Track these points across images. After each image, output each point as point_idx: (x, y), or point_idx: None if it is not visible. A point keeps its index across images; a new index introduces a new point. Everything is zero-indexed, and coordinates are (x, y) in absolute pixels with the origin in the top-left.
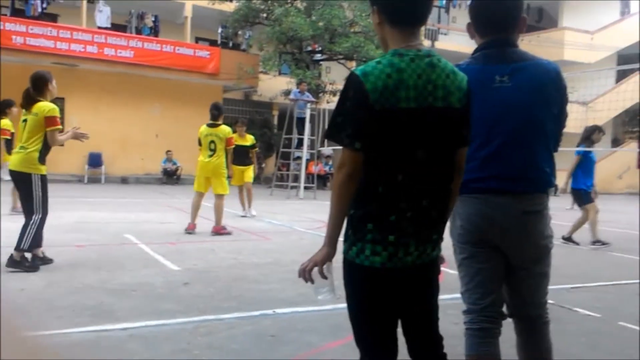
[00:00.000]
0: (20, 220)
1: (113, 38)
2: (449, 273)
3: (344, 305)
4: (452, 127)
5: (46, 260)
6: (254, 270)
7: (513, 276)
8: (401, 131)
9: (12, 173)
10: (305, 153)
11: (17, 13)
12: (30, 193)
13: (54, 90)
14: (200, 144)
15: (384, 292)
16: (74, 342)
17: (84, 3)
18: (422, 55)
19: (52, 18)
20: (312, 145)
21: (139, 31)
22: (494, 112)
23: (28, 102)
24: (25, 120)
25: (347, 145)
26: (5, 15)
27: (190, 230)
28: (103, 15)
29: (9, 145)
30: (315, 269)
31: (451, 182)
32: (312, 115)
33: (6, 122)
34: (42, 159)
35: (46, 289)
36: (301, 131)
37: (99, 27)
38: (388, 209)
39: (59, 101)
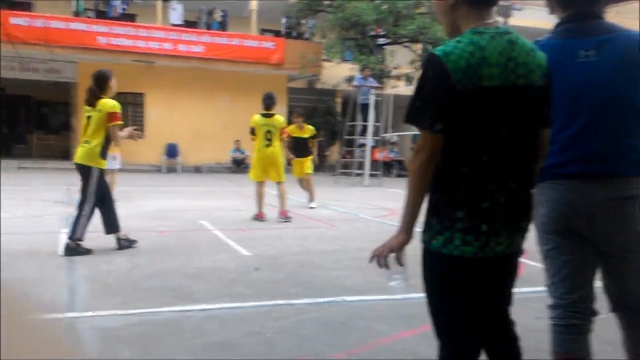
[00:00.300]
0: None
1: (186, 34)
2: (530, 265)
3: (416, 295)
4: (534, 106)
5: (131, 241)
6: (320, 257)
7: (606, 266)
8: (485, 110)
9: (76, 165)
10: (369, 140)
11: (100, 15)
12: (86, 186)
13: (114, 88)
14: (253, 133)
15: (474, 283)
16: (160, 321)
17: (159, 2)
18: (501, 33)
19: (131, 18)
20: (376, 132)
21: (208, 26)
22: (578, 89)
23: (92, 99)
24: (89, 117)
25: (427, 127)
26: (90, 17)
27: (260, 218)
28: (176, 13)
29: None
30: (391, 255)
31: (535, 163)
32: (376, 101)
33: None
34: (103, 154)
35: (131, 271)
36: (365, 118)
37: (173, 25)
38: (477, 194)
39: (139, 97)
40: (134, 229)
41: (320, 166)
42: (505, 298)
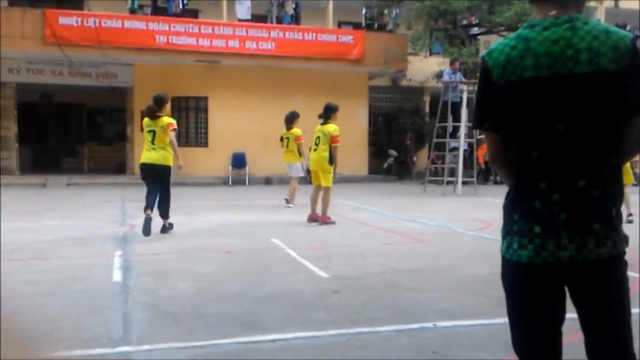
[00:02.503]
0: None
1: (254, 30)
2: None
3: None
4: (610, 94)
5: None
6: (407, 276)
7: None
8: (533, 102)
9: (151, 166)
10: (462, 143)
11: (158, 12)
12: (163, 181)
13: (168, 109)
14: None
15: (533, 290)
16: (224, 354)
17: None
18: (559, 22)
19: (194, 14)
20: (470, 134)
21: (279, 20)
22: None
23: (153, 117)
24: (151, 131)
25: (476, 127)
26: (148, 14)
27: (312, 219)
28: (243, 7)
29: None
30: None
31: (617, 158)
32: (470, 99)
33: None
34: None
35: (195, 297)
36: (457, 118)
37: (240, 20)
38: (529, 194)
39: (201, 101)
40: (198, 247)
41: (408, 173)
42: (606, 320)
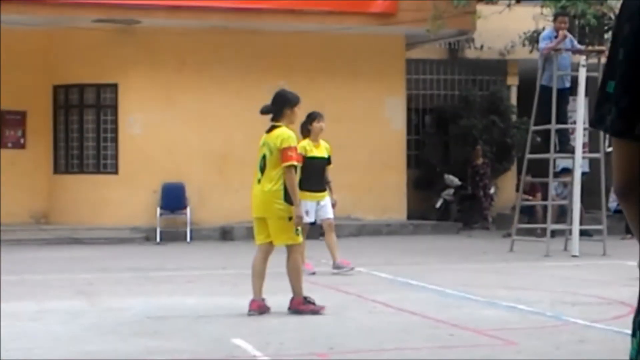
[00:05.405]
0: None
1: None
2: None
3: None
4: None
5: None
6: None
7: None
8: None
9: None
10: (579, 160)
11: None
12: None
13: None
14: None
15: None
16: None
17: None
18: None
19: None
20: (593, 144)
21: None
22: None
23: None
24: None
25: (615, 132)
26: None
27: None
28: None
29: None
30: None
31: None
32: (592, 81)
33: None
34: None
35: None
36: (564, 115)
37: None
38: None
39: (107, 91)
40: (105, 354)
41: (480, 217)
42: None
